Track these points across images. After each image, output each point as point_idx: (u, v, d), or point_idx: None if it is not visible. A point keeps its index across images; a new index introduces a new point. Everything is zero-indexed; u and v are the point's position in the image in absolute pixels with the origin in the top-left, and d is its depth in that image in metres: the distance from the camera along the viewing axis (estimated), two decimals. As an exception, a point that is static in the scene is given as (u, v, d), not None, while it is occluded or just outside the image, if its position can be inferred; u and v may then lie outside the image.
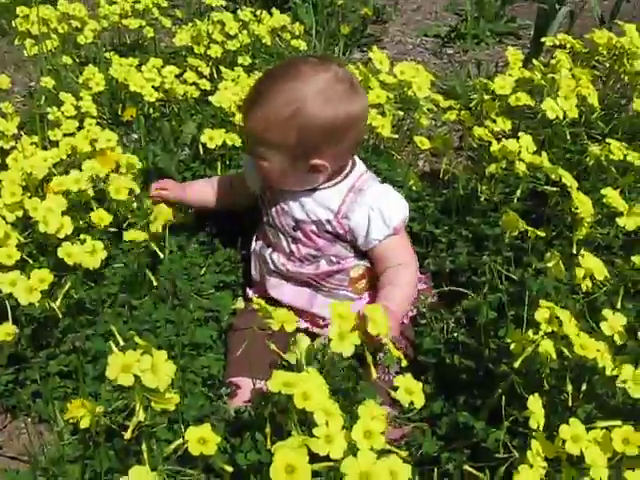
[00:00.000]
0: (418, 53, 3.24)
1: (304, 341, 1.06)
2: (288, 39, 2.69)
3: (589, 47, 1.99)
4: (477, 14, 3.43)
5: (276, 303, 1.39)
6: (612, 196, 1.29)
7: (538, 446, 0.93)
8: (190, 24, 2.54)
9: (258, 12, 2.67)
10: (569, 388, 1.01)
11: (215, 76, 2.34)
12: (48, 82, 2.18)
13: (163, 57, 2.42)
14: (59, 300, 1.32)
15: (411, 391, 0.97)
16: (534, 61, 1.87)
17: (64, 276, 1.37)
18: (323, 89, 1.29)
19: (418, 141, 1.76)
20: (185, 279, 1.54)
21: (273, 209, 1.45)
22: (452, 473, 1.10)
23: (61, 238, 1.39)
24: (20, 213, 1.46)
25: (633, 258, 1.20)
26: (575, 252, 1.19)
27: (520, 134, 1.51)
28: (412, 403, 0.96)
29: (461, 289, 1.39)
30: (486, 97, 1.77)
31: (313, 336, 1.32)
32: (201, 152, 1.79)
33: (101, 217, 1.48)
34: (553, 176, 1.35)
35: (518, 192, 1.48)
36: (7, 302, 1.31)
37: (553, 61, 1.82)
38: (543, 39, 2.06)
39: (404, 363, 1.07)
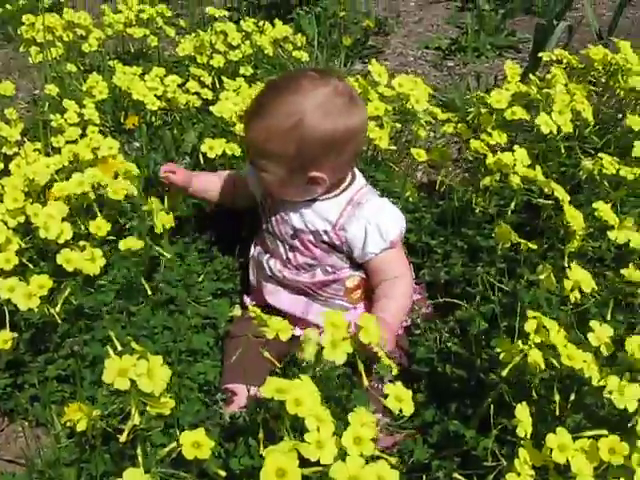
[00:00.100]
0: (419, 65, 3.26)
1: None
2: (290, 50, 2.72)
3: (586, 62, 2.02)
4: (478, 27, 3.46)
5: (272, 310, 1.41)
6: (603, 210, 1.31)
7: (526, 454, 0.95)
8: (193, 34, 2.57)
9: (261, 23, 2.69)
10: (556, 398, 1.03)
11: (217, 86, 2.36)
12: (52, 89, 2.20)
13: (166, 66, 2.45)
14: (59, 306, 1.34)
15: (401, 399, 0.99)
16: (530, 76, 1.90)
17: (63, 282, 1.39)
18: (323, 102, 1.32)
19: (415, 153, 1.78)
20: (183, 286, 1.56)
21: (273, 217, 1.47)
22: (442, 480, 1.12)
23: (61, 244, 1.42)
24: (22, 219, 1.48)
25: (623, 271, 1.22)
26: (567, 264, 1.21)
27: (515, 147, 1.53)
28: (401, 410, 0.98)
29: (455, 300, 1.40)
30: (483, 110, 1.79)
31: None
32: (201, 161, 1.81)
33: (99, 226, 1.49)
34: (546, 189, 1.37)
35: (512, 205, 1.50)
36: (5, 308, 1.33)
37: (549, 76, 1.85)
38: (540, 54, 2.09)
39: (395, 372, 1.09)
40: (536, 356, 1.00)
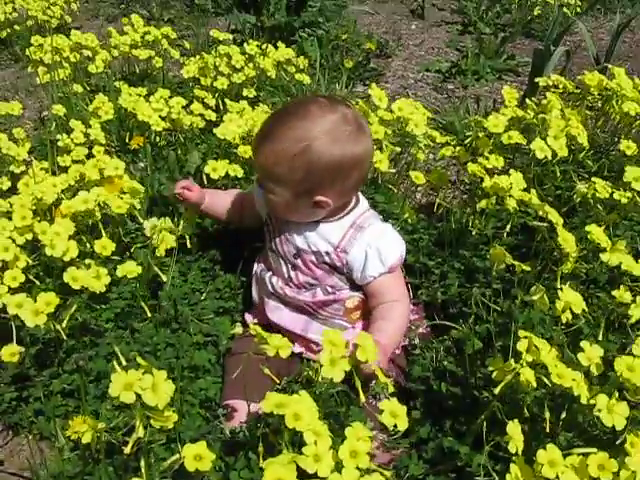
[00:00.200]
0: (419, 88, 3.31)
1: None
2: (292, 72, 2.76)
3: (583, 87, 2.07)
4: (478, 51, 3.52)
5: (273, 329, 1.44)
6: (596, 232, 1.34)
7: (517, 470, 0.97)
8: (198, 56, 2.62)
9: (264, 46, 2.74)
10: (547, 415, 1.06)
11: (220, 107, 2.41)
12: (59, 110, 2.25)
13: (171, 87, 2.51)
14: (65, 322, 1.37)
15: (396, 414, 1.02)
16: (527, 100, 1.94)
17: (69, 298, 1.42)
18: (331, 129, 1.35)
19: (414, 176, 1.82)
20: (186, 304, 1.60)
21: (277, 236, 1.51)
22: (437, 496, 1.15)
23: (66, 261, 1.45)
24: (29, 236, 1.51)
25: (614, 292, 1.25)
26: (559, 286, 1.24)
27: (511, 171, 1.57)
28: (396, 426, 1.01)
29: (449, 324, 1.43)
30: (480, 134, 1.83)
31: (307, 361, 1.37)
32: (205, 182, 1.85)
33: (104, 246, 1.53)
34: (540, 213, 1.41)
35: (508, 227, 1.54)
36: (12, 323, 1.36)
37: (545, 101, 1.89)
38: (537, 79, 2.13)
39: (391, 389, 1.11)
40: (528, 375, 1.03)
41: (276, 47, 2.80)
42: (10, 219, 1.53)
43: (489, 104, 2.89)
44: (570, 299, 1.16)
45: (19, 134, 2.09)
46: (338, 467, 0.91)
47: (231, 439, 1.19)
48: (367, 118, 1.87)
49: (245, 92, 2.47)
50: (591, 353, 1.08)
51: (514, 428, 1.00)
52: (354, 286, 1.48)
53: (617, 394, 1.03)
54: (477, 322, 1.41)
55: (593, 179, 1.57)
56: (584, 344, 1.09)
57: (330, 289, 1.47)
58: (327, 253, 1.44)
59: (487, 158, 1.70)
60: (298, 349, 1.48)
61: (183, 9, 4.48)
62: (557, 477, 0.95)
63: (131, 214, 1.70)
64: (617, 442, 1.00)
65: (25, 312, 1.29)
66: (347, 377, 1.10)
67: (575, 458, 0.98)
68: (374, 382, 1.15)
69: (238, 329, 1.44)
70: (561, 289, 1.17)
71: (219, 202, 1.67)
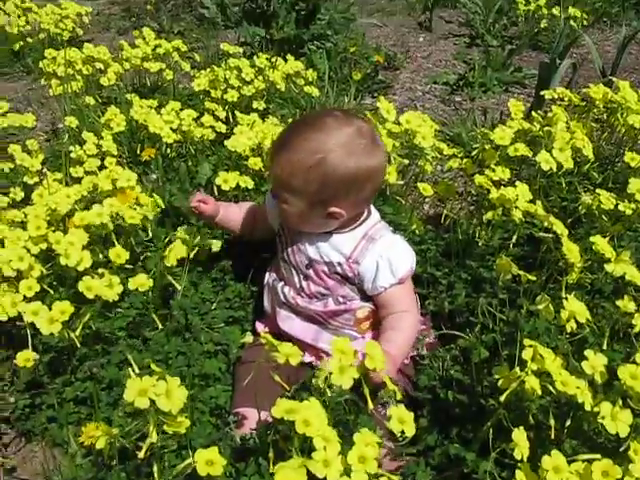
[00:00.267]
0: (427, 100, 3.34)
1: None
2: (301, 85, 2.79)
3: (588, 100, 2.09)
4: (485, 63, 3.55)
5: (283, 337, 1.46)
6: (601, 243, 1.36)
7: (523, 476, 0.99)
8: (208, 69, 2.65)
9: (273, 59, 2.78)
10: (552, 422, 1.08)
11: (230, 119, 2.44)
12: (72, 121, 2.28)
13: (181, 99, 2.54)
14: (78, 330, 1.40)
15: (403, 420, 1.04)
16: (533, 113, 1.97)
17: (82, 307, 1.45)
18: (346, 142, 1.38)
19: (422, 188, 1.84)
20: (196, 313, 1.62)
21: (289, 247, 1.53)
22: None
23: (80, 271, 1.48)
24: (44, 246, 1.54)
25: (618, 302, 1.27)
26: (565, 296, 1.25)
27: (517, 183, 1.59)
28: (404, 432, 1.03)
29: (456, 333, 1.45)
30: (487, 147, 1.85)
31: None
32: (215, 193, 1.87)
33: (118, 254, 1.55)
34: (546, 224, 1.43)
35: (514, 238, 1.56)
36: (27, 330, 1.39)
37: (550, 114, 1.91)
38: (543, 92, 2.16)
39: (398, 396, 1.13)
40: (533, 382, 1.05)
41: (285, 60, 2.83)
42: (25, 229, 1.56)
43: (496, 116, 2.91)
44: (575, 308, 1.18)
45: (32, 146, 2.12)
46: (347, 472, 0.93)
47: (241, 446, 1.21)
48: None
49: (255, 104, 2.50)
50: (595, 362, 1.10)
51: (520, 435, 1.02)
52: (365, 296, 1.50)
53: (621, 402, 1.05)
54: (483, 331, 1.43)
55: (598, 191, 1.59)
56: (588, 353, 1.11)
57: (341, 299, 1.49)
58: (339, 263, 1.47)
59: (494, 170, 1.72)
60: (308, 358, 1.50)
61: (193, 22, 4.53)
62: (562, 482, 0.97)
63: (143, 225, 1.72)
64: (621, 449, 1.02)
65: (41, 320, 1.32)
66: (356, 385, 1.13)
67: (580, 464, 0.99)
68: (382, 390, 1.17)
69: (248, 338, 1.46)
70: (566, 299, 1.19)
71: (233, 215, 1.69)
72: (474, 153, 1.91)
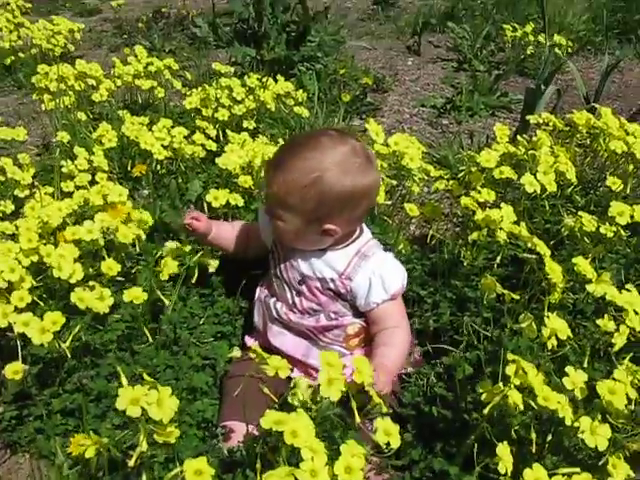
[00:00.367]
0: (415, 122, 3.38)
1: (303, 382, 1.15)
2: (291, 105, 2.83)
3: (572, 125, 2.14)
4: (472, 88, 3.60)
5: (273, 352, 1.47)
6: (582, 264, 1.40)
7: (505, 490, 1.02)
8: (200, 88, 2.68)
9: (264, 79, 2.81)
10: (533, 436, 1.10)
11: (221, 138, 2.47)
12: (64, 136, 2.30)
13: (172, 117, 2.57)
14: (68, 341, 1.41)
15: (389, 432, 1.07)
16: (518, 137, 2.01)
17: (71, 320, 1.46)
18: (341, 161, 1.41)
19: (408, 209, 1.87)
20: (185, 328, 1.64)
21: (282, 263, 1.56)
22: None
23: (72, 283, 1.49)
24: (35, 258, 1.56)
25: (598, 321, 1.30)
26: (547, 314, 1.29)
27: (502, 205, 1.63)
28: (389, 443, 1.06)
29: (444, 346, 1.48)
30: (473, 169, 1.89)
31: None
32: (206, 210, 1.90)
33: (110, 267, 1.57)
34: (529, 244, 1.46)
35: (498, 258, 1.60)
36: (17, 341, 1.40)
37: (535, 138, 1.96)
38: (528, 117, 2.21)
39: (384, 410, 1.15)
40: (515, 397, 1.07)
41: (275, 80, 2.87)
42: (16, 241, 1.57)
43: (482, 139, 2.96)
44: (556, 326, 1.21)
45: (24, 159, 2.14)
46: (333, 482, 0.95)
47: (229, 458, 1.23)
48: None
49: (245, 124, 2.53)
50: (575, 378, 1.13)
51: (504, 449, 1.04)
52: (356, 313, 1.53)
53: (600, 417, 1.08)
54: (468, 349, 1.46)
55: (580, 213, 1.63)
56: (569, 369, 1.14)
57: (333, 315, 1.52)
58: (332, 280, 1.49)
59: (479, 192, 1.76)
60: (297, 374, 1.51)
61: (184, 40, 4.57)
62: (542, 496, 0.99)
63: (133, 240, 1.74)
64: (600, 463, 1.05)
65: (32, 330, 1.33)
66: (343, 400, 1.15)
67: (560, 478, 1.02)
68: (369, 404, 1.19)
69: (236, 353, 1.47)
70: (547, 317, 1.22)
71: (225, 233, 1.71)
72: (460, 175, 1.95)
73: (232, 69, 3.10)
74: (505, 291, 1.38)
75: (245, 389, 1.27)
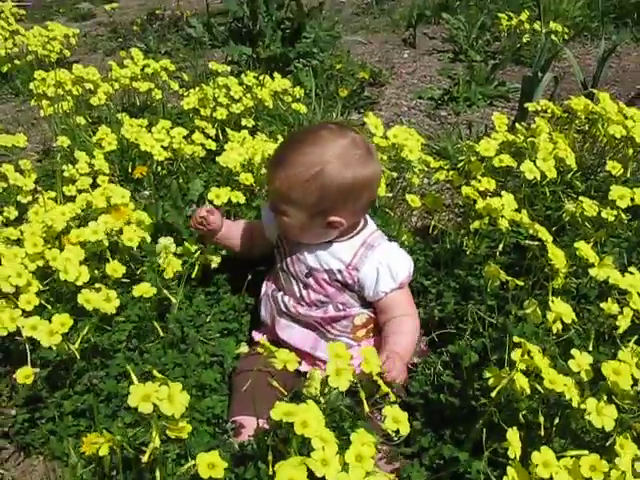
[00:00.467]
0: (413, 115, 3.39)
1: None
2: (289, 102, 2.84)
3: (570, 111, 2.14)
4: (469, 78, 3.61)
5: (280, 346, 1.48)
6: (584, 249, 1.40)
7: (514, 473, 1.03)
8: (197, 88, 2.69)
9: (261, 77, 2.82)
10: (541, 419, 1.11)
11: (220, 137, 2.48)
12: (64, 141, 2.31)
13: (170, 118, 2.58)
14: (77, 342, 1.42)
15: (398, 420, 1.08)
16: (517, 125, 2.02)
17: (80, 321, 1.48)
18: (342, 154, 1.42)
19: (409, 199, 1.88)
20: (192, 326, 1.65)
21: (288, 257, 1.57)
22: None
23: (78, 286, 1.51)
24: (41, 263, 1.56)
25: (602, 305, 1.31)
26: (551, 298, 1.29)
27: (503, 193, 1.64)
28: (398, 431, 1.07)
29: (449, 330, 1.49)
30: (473, 158, 1.90)
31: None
32: (207, 208, 1.90)
33: (115, 269, 1.59)
34: (531, 231, 1.47)
35: (500, 246, 1.60)
36: (26, 345, 1.41)
37: (534, 126, 1.96)
38: (526, 105, 2.21)
39: (393, 398, 1.17)
40: (522, 381, 1.08)
41: (272, 77, 2.87)
42: (21, 246, 1.58)
43: (481, 129, 2.97)
44: (561, 310, 1.22)
45: (26, 165, 2.15)
46: (345, 471, 0.96)
47: (240, 452, 1.24)
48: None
49: (244, 122, 2.53)
50: (581, 360, 1.14)
51: (513, 435, 1.06)
52: (364, 303, 1.54)
53: (606, 398, 1.09)
54: (473, 337, 1.47)
55: (581, 198, 1.64)
56: (574, 352, 1.15)
57: (341, 306, 1.53)
58: (339, 271, 1.51)
59: (480, 181, 1.76)
60: (305, 368, 1.52)
61: (180, 42, 4.58)
62: (551, 477, 1.00)
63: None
64: (607, 444, 1.06)
65: (40, 333, 1.34)
66: (351, 391, 1.17)
67: (568, 460, 1.03)
68: (377, 395, 1.20)
69: (244, 348, 1.49)
70: (552, 301, 1.23)
71: (233, 232, 1.72)
72: (460, 165, 1.96)
73: (229, 68, 3.10)
74: (509, 278, 1.39)
75: (254, 384, 1.28)
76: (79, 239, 1.62)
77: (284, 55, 3.62)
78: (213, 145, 2.31)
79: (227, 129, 2.37)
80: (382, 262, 1.49)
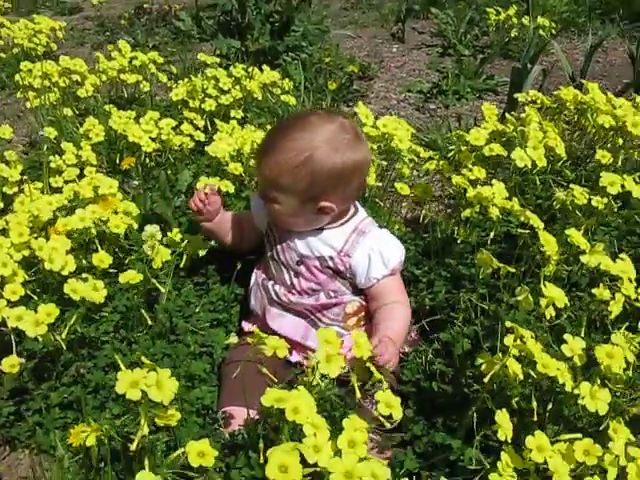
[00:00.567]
0: (402, 108, 3.39)
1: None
2: (278, 94, 2.82)
3: (559, 103, 2.14)
4: (458, 72, 3.61)
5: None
6: (575, 236, 1.40)
7: (507, 458, 1.02)
8: (186, 79, 2.67)
9: (250, 69, 2.80)
10: (534, 404, 1.10)
11: (209, 128, 2.46)
12: (51, 132, 2.28)
13: (159, 110, 2.54)
14: (64, 333, 1.40)
15: (390, 405, 1.07)
16: (507, 115, 2.01)
17: (66, 312, 1.45)
18: (330, 138, 1.42)
19: (399, 187, 1.87)
20: (181, 316, 1.63)
21: (279, 245, 1.56)
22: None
23: (65, 275, 1.48)
24: (27, 252, 1.54)
25: (594, 291, 1.31)
26: (544, 283, 1.29)
27: (493, 181, 1.63)
28: (391, 416, 1.06)
29: (440, 317, 1.48)
30: (463, 148, 1.89)
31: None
32: (197, 198, 1.88)
33: (102, 259, 1.57)
34: (522, 218, 1.47)
35: (492, 234, 1.59)
36: (12, 336, 1.39)
37: (524, 115, 1.96)
38: (516, 95, 2.21)
39: (385, 385, 1.16)
40: (515, 367, 1.08)
41: (261, 70, 2.86)
42: (6, 236, 1.56)
43: (470, 122, 2.96)
44: (554, 295, 1.22)
45: (11, 156, 2.12)
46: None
47: (230, 442, 1.22)
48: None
49: (233, 113, 2.52)
50: (574, 345, 1.14)
51: (503, 417, 1.05)
52: (355, 291, 1.53)
53: (599, 382, 1.08)
54: (465, 324, 1.46)
55: (571, 186, 1.63)
56: (567, 336, 1.14)
57: (332, 294, 1.52)
58: (331, 257, 1.50)
59: (470, 170, 1.75)
60: (296, 358, 1.52)
61: (168, 35, 4.54)
62: (545, 462, 0.99)
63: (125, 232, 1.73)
64: (600, 428, 1.05)
65: (25, 323, 1.32)
66: (343, 381, 1.15)
67: (562, 445, 1.03)
68: (369, 383, 1.19)
69: (233, 339, 1.47)
70: (545, 285, 1.22)
71: (224, 223, 1.69)
72: (450, 154, 1.95)
73: (218, 60, 3.08)
74: (501, 265, 1.38)
75: (243, 374, 1.27)
76: (66, 227, 1.59)
77: (273, 48, 3.61)
78: (202, 136, 2.29)
79: (216, 120, 2.35)
80: (374, 248, 1.48)
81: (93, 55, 3.16)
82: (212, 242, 1.76)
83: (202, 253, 1.72)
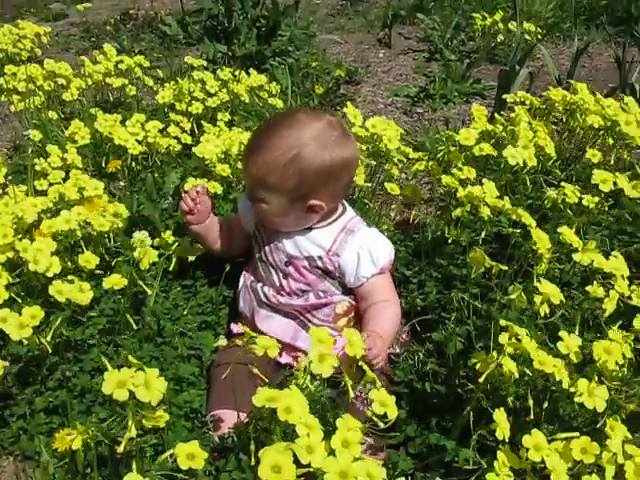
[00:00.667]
0: (389, 111, 3.37)
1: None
2: (265, 97, 2.81)
3: (547, 104, 2.14)
4: (444, 76, 3.60)
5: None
6: (567, 234, 1.39)
7: (504, 457, 1.00)
8: (172, 82, 2.65)
9: (237, 72, 2.79)
10: (530, 403, 1.09)
11: (196, 131, 2.44)
12: (36, 135, 2.25)
13: (145, 114, 2.52)
14: (49, 335, 1.37)
15: (385, 403, 1.05)
16: (496, 115, 2.00)
17: (52, 315, 1.42)
18: (318, 136, 1.41)
19: (389, 188, 1.86)
20: (168, 319, 1.61)
21: (267, 246, 1.54)
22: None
23: (50, 277, 1.45)
24: (11, 254, 1.51)
25: (587, 288, 1.30)
26: (538, 279, 1.28)
27: (484, 180, 1.62)
28: (386, 415, 1.03)
29: (431, 316, 1.47)
30: (452, 148, 1.88)
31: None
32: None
33: (88, 260, 1.54)
34: (514, 217, 1.45)
35: (483, 234, 1.58)
36: (-5, 339, 1.36)
37: (513, 115, 1.95)
38: (504, 96, 2.20)
39: (378, 385, 1.14)
40: (510, 365, 1.06)
41: (248, 74, 2.84)
42: (-10, 239, 1.53)
43: (458, 125, 2.96)
44: (549, 291, 1.20)
45: (-5, 160, 2.09)
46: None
47: (220, 445, 1.20)
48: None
49: (220, 116, 2.50)
50: (570, 342, 1.12)
51: (500, 415, 1.03)
52: (345, 290, 1.52)
53: (597, 378, 1.07)
54: (457, 324, 1.44)
55: (562, 184, 1.62)
56: (562, 333, 1.13)
57: (322, 294, 1.51)
58: (319, 257, 1.48)
59: (460, 169, 1.74)
60: (285, 359, 1.50)
61: (154, 40, 4.51)
62: (542, 461, 0.98)
63: (109, 234, 1.71)
64: (598, 425, 1.04)
65: (9, 326, 1.29)
66: (335, 382, 1.13)
67: (559, 443, 1.01)
68: (362, 383, 1.17)
69: (222, 341, 1.45)
70: (539, 281, 1.21)
71: (213, 227, 1.66)
72: (439, 155, 1.93)
73: (205, 62, 3.06)
74: (494, 263, 1.37)
75: (233, 376, 1.24)
76: (51, 229, 1.57)
77: (260, 53, 3.59)
78: (189, 139, 2.28)
79: (203, 123, 2.32)
80: (363, 247, 1.47)
81: (78, 60, 3.13)
82: (200, 246, 1.73)
83: (192, 258, 1.69)
